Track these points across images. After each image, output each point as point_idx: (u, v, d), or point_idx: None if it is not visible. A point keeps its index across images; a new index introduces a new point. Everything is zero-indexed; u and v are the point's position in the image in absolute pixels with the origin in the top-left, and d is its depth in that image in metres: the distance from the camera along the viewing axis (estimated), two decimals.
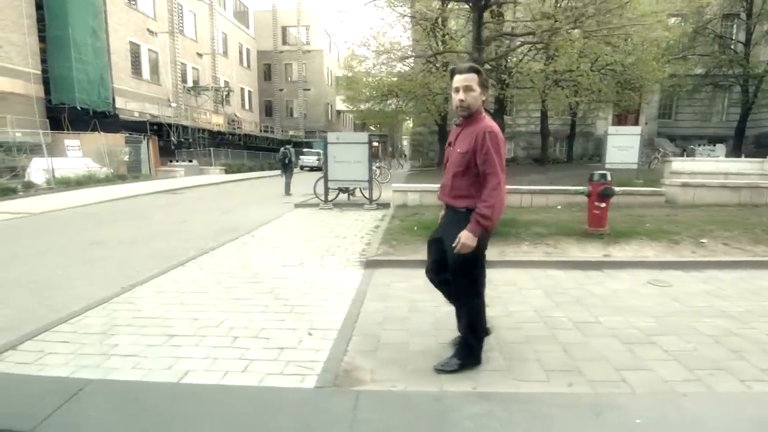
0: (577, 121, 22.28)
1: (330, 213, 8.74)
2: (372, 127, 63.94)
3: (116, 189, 13.40)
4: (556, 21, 4.91)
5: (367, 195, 9.41)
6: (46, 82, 18.63)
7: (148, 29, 23.40)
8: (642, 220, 6.69)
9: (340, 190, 9.67)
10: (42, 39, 18.39)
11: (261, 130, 34.38)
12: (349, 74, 18.79)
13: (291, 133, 39.36)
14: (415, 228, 5.96)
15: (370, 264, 4.60)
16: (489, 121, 2.21)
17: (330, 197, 9.35)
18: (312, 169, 29.36)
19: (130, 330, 3.14)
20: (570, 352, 2.74)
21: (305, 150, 31.18)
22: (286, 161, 12.90)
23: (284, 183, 12.74)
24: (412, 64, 15.95)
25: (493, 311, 3.41)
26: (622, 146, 11.69)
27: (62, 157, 15.47)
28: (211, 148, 23.52)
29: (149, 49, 23.62)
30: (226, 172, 22.20)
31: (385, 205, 9.30)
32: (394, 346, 2.85)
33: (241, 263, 4.96)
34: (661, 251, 4.96)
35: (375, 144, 62.11)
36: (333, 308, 3.53)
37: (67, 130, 17.68)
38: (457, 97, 2.20)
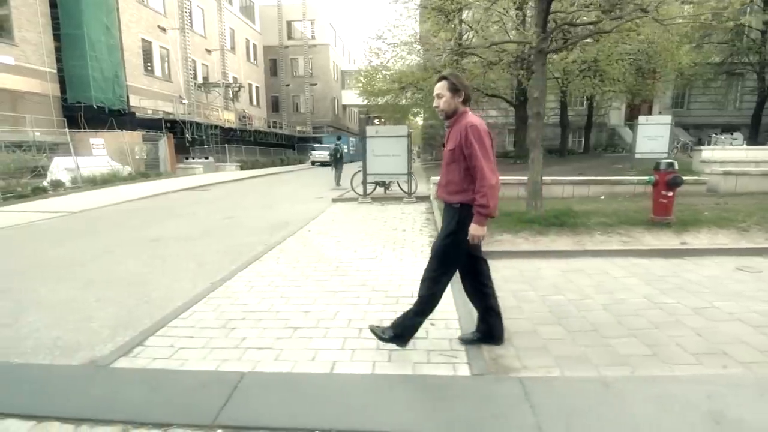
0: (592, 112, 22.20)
1: (372, 207, 8.73)
2: (376, 121, 63.92)
3: (142, 187, 13.38)
4: (619, 9, 4.86)
5: (404, 188, 9.39)
6: (61, 81, 18.56)
7: (158, 26, 23.24)
8: (695, 208, 6.67)
9: (377, 183, 9.65)
10: (56, 37, 18.27)
11: (269, 126, 34.23)
12: (366, 67, 18.61)
13: (298, 128, 39.25)
14: None
15: None
16: (471, 118, 2.39)
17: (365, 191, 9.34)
18: (323, 164, 29.27)
19: (248, 324, 3.14)
20: (704, 336, 2.75)
21: (316, 146, 31.09)
22: (338, 156, 14.26)
23: (334, 175, 14.16)
24: (437, 57, 15.84)
25: (601, 299, 3.44)
26: (652, 136, 11.66)
27: (83, 156, 15.41)
28: (226, 145, 23.45)
29: (160, 46, 23.48)
30: (241, 168, 22.15)
31: (423, 198, 9.29)
32: (525, 334, 2.86)
33: (315, 256, 4.96)
34: (734, 238, 4.96)
35: None
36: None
37: (84, 128, 17.63)
38: (434, 104, 2.50)
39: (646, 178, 5.69)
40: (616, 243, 4.79)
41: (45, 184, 11.89)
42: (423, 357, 2.59)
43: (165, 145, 17.86)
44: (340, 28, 45.20)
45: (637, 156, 11.84)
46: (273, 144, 32.76)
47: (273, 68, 39.87)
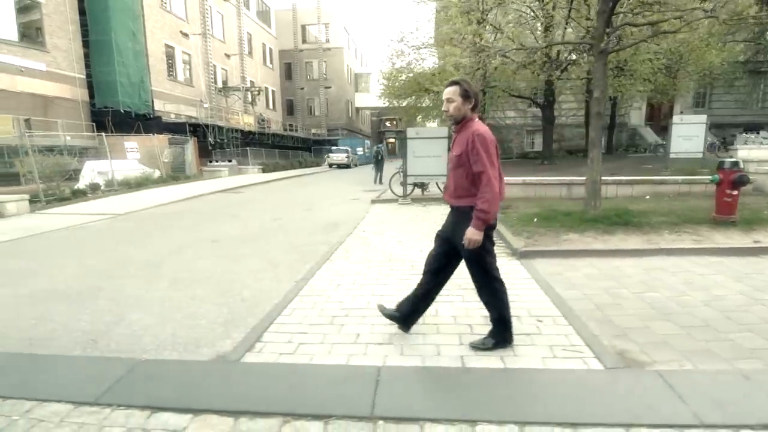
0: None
1: (414, 208, 8.79)
2: (388, 124, 64.09)
3: (176, 189, 13.57)
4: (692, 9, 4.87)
5: (443, 189, 9.42)
6: (89, 87, 18.92)
7: (181, 31, 23.59)
8: (751, 207, 6.62)
9: (415, 184, 9.70)
10: (85, 44, 18.64)
11: (284, 129, 34.51)
12: (389, 70, 18.70)
13: (313, 131, 39.49)
14: (535, 220, 5.98)
15: (525, 255, 4.63)
16: (478, 126, 2.45)
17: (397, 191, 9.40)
18: (339, 166, 29.42)
19: (354, 320, 3.20)
20: None
21: (333, 148, 31.20)
22: (379, 157, 16.49)
23: (374, 174, 16.22)
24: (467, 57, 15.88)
25: (699, 296, 3.44)
26: (688, 135, 11.56)
27: (113, 160, 15.66)
28: (248, 148, 23.69)
29: (183, 51, 23.83)
30: (263, 171, 22.34)
31: None
32: (639, 330, 2.88)
33: (385, 256, 5.02)
34: None
35: (392, 140, 62.29)
36: (531, 296, 3.57)
37: (111, 132, 17.94)
38: (443, 108, 2.55)
39: (712, 177, 5.66)
40: (688, 242, 4.78)
41: (83, 186, 12.10)
42: (547, 352, 2.63)
43: (191, 148, 18.08)
44: (353, 31, 45.46)
45: (672, 156, 11.75)
46: (289, 147, 32.99)
47: (288, 72, 40.21)
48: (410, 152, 9.07)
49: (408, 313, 2.86)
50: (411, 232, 6.37)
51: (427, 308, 2.91)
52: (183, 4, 23.87)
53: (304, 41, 40.46)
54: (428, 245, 5.52)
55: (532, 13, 13.66)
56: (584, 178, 8.97)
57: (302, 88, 40.37)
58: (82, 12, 18.44)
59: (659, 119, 26.60)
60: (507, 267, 4.42)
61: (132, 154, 14.86)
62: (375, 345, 2.79)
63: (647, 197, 8.33)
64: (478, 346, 2.67)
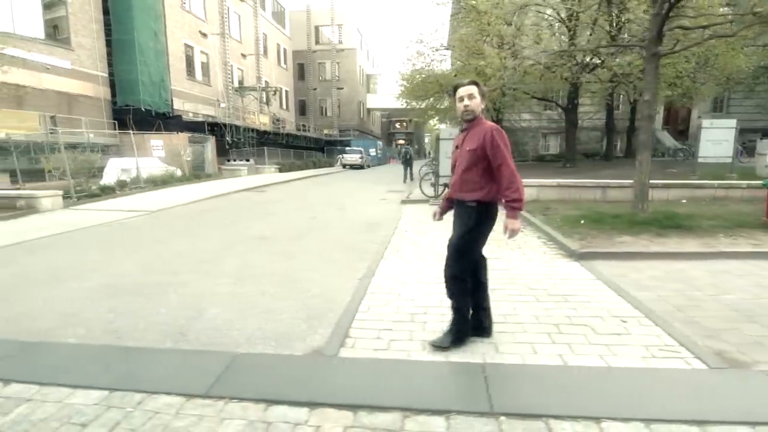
0: (619, 115, 21.88)
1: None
2: (397, 125, 64.12)
3: (200, 187, 13.67)
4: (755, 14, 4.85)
5: None
6: (111, 85, 19.12)
7: (200, 31, 23.78)
8: None
9: (446, 185, 9.69)
10: (107, 43, 18.84)
11: (297, 129, 34.64)
12: (410, 71, 18.75)
13: (325, 131, 39.60)
14: (582, 221, 5.97)
15: (583, 256, 4.63)
16: (491, 123, 2.59)
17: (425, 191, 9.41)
18: (353, 167, 29.44)
19: (434, 318, 3.22)
20: None
21: (347, 149, 31.26)
22: (407, 157, 17.66)
23: (404, 173, 17.38)
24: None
25: None
26: (717, 140, 11.49)
27: (134, 157, 15.77)
28: (265, 148, 23.81)
29: (201, 51, 24.02)
30: (280, 170, 22.44)
31: None
32: (728, 331, 2.87)
33: (437, 255, 5.02)
34: None
35: (401, 141, 62.18)
36: (604, 297, 3.57)
37: (132, 130, 18.12)
38: (462, 105, 2.60)
39: (762, 181, 5.62)
40: (746, 246, 4.75)
41: (110, 183, 12.22)
42: (644, 352, 2.63)
43: (211, 147, 18.21)
44: (365, 32, 45.59)
45: (700, 160, 11.68)
46: (302, 147, 33.09)
47: (300, 72, 40.36)
48: (443, 152, 9.08)
49: (478, 326, 2.83)
50: (444, 231, 6.36)
51: (485, 306, 2.86)
52: (202, 4, 24.07)
53: (317, 42, 40.61)
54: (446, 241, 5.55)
55: (557, 16, 13.65)
56: (619, 181, 8.97)
57: (315, 89, 40.51)
58: (105, 11, 18.65)
59: (676, 123, 26.43)
60: (566, 268, 4.42)
61: (158, 152, 14.99)
62: (468, 343, 2.80)
63: (683, 201, 8.28)
64: (438, 344, 2.70)
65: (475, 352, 2.66)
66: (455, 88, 2.69)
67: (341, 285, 4.05)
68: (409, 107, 22.40)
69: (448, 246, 2.74)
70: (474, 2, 16.16)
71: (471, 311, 2.79)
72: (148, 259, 5.13)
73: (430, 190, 9.69)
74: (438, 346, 2.69)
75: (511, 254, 5.05)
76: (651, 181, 8.95)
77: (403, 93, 20.64)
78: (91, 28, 17.94)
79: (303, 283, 4.15)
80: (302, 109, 40.87)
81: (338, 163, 33.40)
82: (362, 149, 30.91)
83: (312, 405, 2.19)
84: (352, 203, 10.40)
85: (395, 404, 2.17)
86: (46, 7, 16.41)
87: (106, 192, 11.52)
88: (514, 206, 2.45)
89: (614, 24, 10.55)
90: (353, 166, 29.50)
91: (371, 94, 47.13)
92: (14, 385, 2.40)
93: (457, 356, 2.63)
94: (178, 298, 3.75)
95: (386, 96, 49.75)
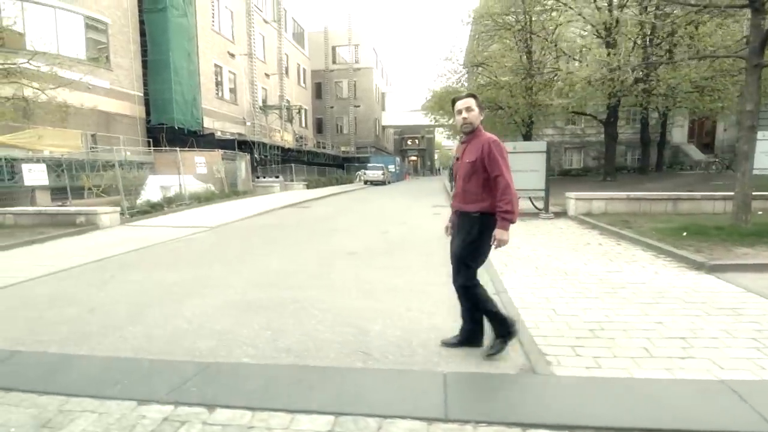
0: (650, 129, 21.84)
1: (518, 222, 8.60)
2: (409, 142, 64.59)
3: (244, 204, 13.65)
4: None
5: (536, 204, 9.31)
6: (145, 104, 19.40)
7: (228, 52, 24.24)
8: None
9: None
10: (142, 63, 19.20)
11: (317, 147, 34.92)
12: (440, 88, 18.94)
13: (342, 148, 39.88)
14: (684, 234, 5.80)
15: (714, 268, 4.46)
16: (490, 135, 2.63)
17: None
18: (374, 183, 29.40)
19: (618, 333, 3.04)
20: None
21: (369, 165, 31.28)
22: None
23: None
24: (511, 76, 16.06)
25: None
26: None
27: (168, 175, 15.80)
28: (292, 165, 23.95)
29: (229, 71, 24.43)
30: (308, 187, 22.47)
31: (559, 214, 9.17)
32: None
33: (553, 269, 4.87)
34: None
35: (413, 158, 62.47)
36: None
37: (165, 148, 18.28)
38: (460, 117, 2.65)
39: None
40: None
41: (158, 200, 12.22)
42: None
43: (245, 164, 18.30)
44: (380, 51, 46.36)
45: (755, 172, 11.49)
46: (322, 163, 33.27)
47: (317, 91, 40.93)
48: None
49: (468, 336, 2.86)
50: (547, 247, 6.21)
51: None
52: (230, 26, 24.61)
53: (334, 62, 41.33)
54: (582, 257, 5.41)
55: (598, 33, 13.76)
56: (690, 193, 8.82)
57: (332, 107, 41.01)
58: (142, 33, 19.08)
59: (701, 137, 26.35)
60: (705, 281, 4.24)
61: (200, 169, 15.04)
62: (680, 359, 2.63)
63: (759, 213, 8.09)
64: (491, 352, 2.70)
65: (695, 369, 2.48)
66: (453, 102, 2.75)
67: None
68: (436, 123, 22.53)
69: (452, 257, 2.78)
70: (510, 19, 16.42)
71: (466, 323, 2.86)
72: (254, 275, 5.00)
73: None
74: (493, 354, 2.69)
75: (630, 267, 4.88)
76: (726, 193, 8.82)
77: (432, 108, 20.78)
78: (129, 48, 18.31)
79: (439, 296, 3.98)
80: (319, 126, 41.30)
81: (357, 180, 33.48)
82: (383, 165, 30.96)
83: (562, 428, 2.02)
84: (409, 218, 10.27)
85: (640, 425, 1.99)
86: (89, 28, 16.78)
87: (156, 209, 11.49)
88: (505, 217, 2.47)
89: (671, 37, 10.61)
90: (375, 183, 29.45)
91: (385, 112, 47.64)
92: (222, 411, 2.23)
93: (684, 373, 2.45)
94: (323, 314, 3.59)
95: (400, 112, 50.33)
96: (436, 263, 5.33)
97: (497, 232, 2.51)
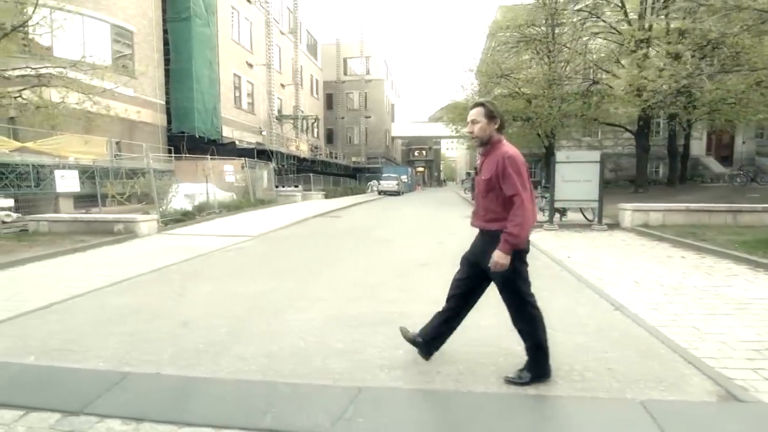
0: (662, 143, 21.69)
1: (571, 234, 8.37)
2: (416, 153, 64.72)
3: (274, 212, 13.41)
4: None
5: (587, 216, 9.06)
6: (167, 112, 19.30)
7: (246, 62, 24.27)
8: None
9: (557, 210, 9.33)
10: (165, 71, 19.16)
11: (329, 157, 34.84)
12: (464, 99, 18.88)
13: (353, 159, 39.83)
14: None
15: None
16: (507, 148, 2.39)
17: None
18: (389, 194, 29.20)
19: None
20: None
21: (384, 175, 31.10)
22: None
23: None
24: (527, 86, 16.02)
25: None
26: None
27: (189, 183, 15.54)
28: (311, 174, 23.81)
29: (247, 81, 24.43)
30: (326, 197, 22.26)
31: (612, 226, 8.92)
32: None
33: (651, 282, 4.59)
34: None
35: (420, 169, 62.55)
36: None
37: (185, 156, 18.12)
38: (467, 129, 2.49)
39: None
40: None
41: (189, 209, 11.97)
42: None
43: (269, 173, 18.13)
44: (390, 63, 46.67)
45: None
46: (334, 173, 33.15)
47: (329, 102, 41.06)
48: (559, 176, 8.75)
49: (430, 339, 2.68)
50: (631, 259, 5.96)
51: (451, 333, 2.71)
52: (249, 36, 24.69)
53: (345, 73, 41.51)
54: (680, 270, 5.14)
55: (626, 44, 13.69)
56: (751, 205, 8.57)
57: (342, 118, 41.09)
58: (164, 42, 19.07)
59: (719, 149, 26.23)
60: None
61: (229, 177, 14.84)
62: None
63: None
64: (514, 381, 2.46)
65: None
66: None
67: (604, 316, 3.61)
68: (457, 134, 22.45)
69: (495, 281, 2.48)
70: (534, 31, 16.42)
71: (432, 328, 2.68)
72: (337, 287, 4.71)
73: (539, 216, 9.30)
74: (512, 382, 2.45)
75: (736, 281, 4.61)
76: None
77: (453, 119, 20.71)
78: (153, 57, 18.27)
79: (556, 314, 3.69)
80: (329, 137, 41.32)
81: (369, 190, 33.29)
82: (396, 175, 30.79)
83: None
84: (449, 228, 10.03)
85: None
86: (115, 36, 16.75)
87: (188, 217, 11.23)
88: (508, 240, 2.25)
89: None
90: (389, 193, 29.24)
91: (395, 123, 47.77)
92: None
93: None
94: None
95: (408, 123, 50.48)
96: (540, 278, 5.05)
97: (495, 254, 2.27)
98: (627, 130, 16.84)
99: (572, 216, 9.62)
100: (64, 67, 10.58)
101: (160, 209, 11.77)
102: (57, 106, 10.78)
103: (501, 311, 2.69)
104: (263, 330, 3.41)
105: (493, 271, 2.33)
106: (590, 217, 9.12)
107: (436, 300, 4.07)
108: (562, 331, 3.28)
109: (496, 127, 2.41)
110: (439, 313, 2.71)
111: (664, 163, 24.25)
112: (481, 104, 2.47)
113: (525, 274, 2.44)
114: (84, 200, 14.55)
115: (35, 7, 7.14)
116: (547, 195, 9.21)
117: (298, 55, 30.61)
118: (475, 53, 55.08)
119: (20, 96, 7.33)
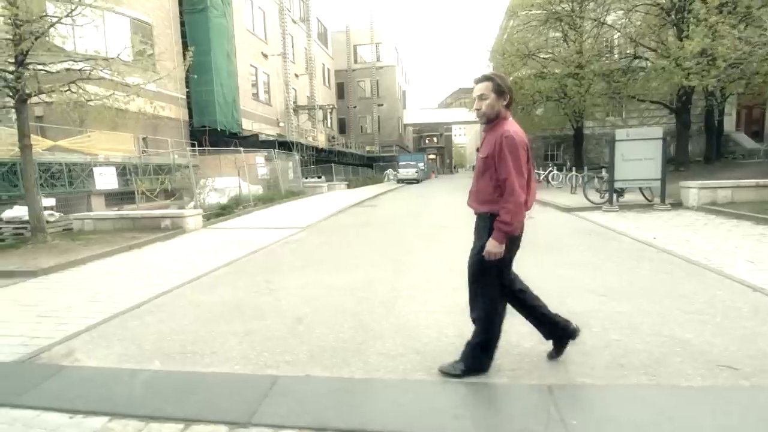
0: (693, 119, 20.97)
1: (637, 215, 8.01)
2: (427, 140, 64.08)
3: (308, 203, 13.22)
4: None
5: (647, 195, 8.69)
6: (188, 106, 19.06)
7: (262, 52, 23.87)
8: None
9: (616, 191, 8.97)
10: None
11: (343, 147, 34.48)
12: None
13: (367, 148, 39.42)
14: None
15: None
16: (509, 126, 2.19)
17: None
18: (410, 182, 28.76)
19: None
20: None
21: (402, 163, 30.64)
22: None
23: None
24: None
25: None
26: None
27: (220, 177, 15.37)
28: (332, 165, 23.54)
29: (263, 72, 24.05)
30: (348, 187, 22.01)
31: (674, 205, 8.55)
32: None
33: (751, 257, 4.29)
34: None
35: (432, 156, 62.04)
36: None
37: (207, 150, 17.93)
38: (474, 106, 2.28)
39: None
40: None
41: (221, 202, 11.79)
42: None
43: (296, 164, 17.89)
44: (401, 49, 45.88)
45: None
46: (350, 163, 32.83)
47: (340, 91, 40.50)
48: (618, 155, 8.38)
49: (552, 332, 2.44)
50: (712, 238, 5.63)
51: (542, 306, 2.43)
52: (263, 26, 24.23)
53: (355, 61, 40.87)
54: (762, 250, 4.82)
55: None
56: None
57: (354, 107, 40.58)
58: (183, 35, 18.75)
59: (749, 125, 25.44)
60: None
61: (261, 169, 14.61)
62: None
63: None
64: (448, 371, 2.35)
65: None
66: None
67: (748, 299, 3.32)
68: (475, 120, 21.96)
69: (468, 265, 2.38)
70: (561, 8, 15.86)
71: (539, 325, 2.44)
72: (428, 275, 4.47)
73: (595, 197, 8.97)
74: (445, 373, 2.36)
75: None
76: None
77: (469, 103, 20.23)
78: (172, 50, 17.95)
79: (698, 300, 3.40)
80: (342, 127, 40.85)
81: (386, 179, 32.92)
82: (415, 162, 30.34)
83: None
84: None
85: None
86: (135, 30, 16.46)
87: (228, 211, 11.04)
88: (500, 227, 2.12)
89: None
90: (408, 181, 28.83)
91: (406, 110, 47.15)
92: None
93: None
94: (603, 322, 3.03)
95: (420, 110, 49.79)
96: (625, 258, 4.78)
97: (489, 243, 2.16)
98: (667, 106, 16.26)
99: (629, 197, 9.24)
100: (102, 60, 10.36)
101: (195, 204, 11.66)
102: (100, 100, 10.56)
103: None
104: (392, 324, 3.18)
105: (486, 260, 2.19)
106: (649, 197, 8.75)
107: (561, 275, 3.85)
108: (723, 316, 3.00)
109: (506, 103, 2.22)
110: (523, 313, 2.48)
111: (691, 140, 23.56)
112: (489, 78, 2.23)
113: (509, 262, 2.31)
114: (113, 198, 14.48)
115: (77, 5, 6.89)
116: (603, 176, 8.84)
117: (311, 44, 30.09)
118: (491, 34, 53.87)
119: (69, 89, 7.07)
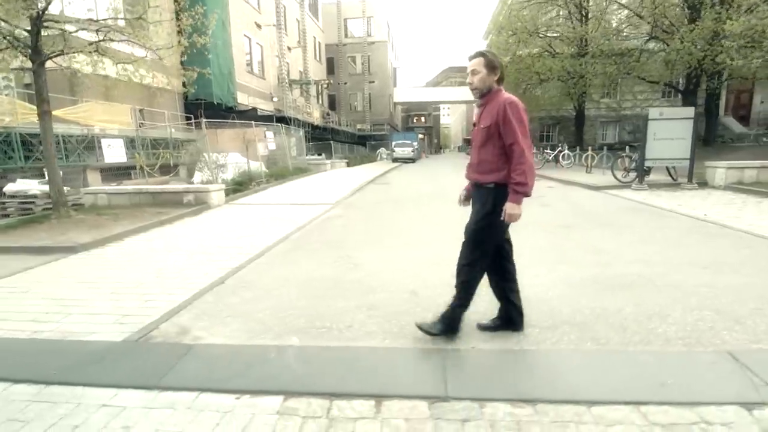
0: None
1: (671, 193, 8.12)
2: (415, 119, 63.54)
3: (319, 180, 12.93)
4: None
5: (673, 174, 8.85)
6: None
7: (255, 22, 22.78)
8: None
9: (648, 169, 9.06)
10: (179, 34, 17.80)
11: (336, 124, 33.78)
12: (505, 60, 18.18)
13: (358, 126, 38.78)
14: None
15: None
16: (507, 95, 2.31)
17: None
18: (406, 161, 28.46)
19: None
20: None
21: (397, 142, 30.20)
22: None
23: None
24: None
25: None
26: None
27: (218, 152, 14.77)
28: (331, 142, 23.02)
29: (257, 43, 23.03)
30: (348, 165, 21.66)
31: (701, 184, 8.74)
32: None
33: None
34: None
35: (421, 136, 61.72)
36: None
37: (205, 124, 17.18)
38: (467, 80, 2.39)
39: None
40: None
41: (231, 177, 11.36)
42: None
43: (300, 140, 17.38)
44: (392, 25, 44.78)
45: None
46: (342, 141, 32.27)
47: (330, 66, 39.37)
48: (650, 134, 8.44)
49: (508, 320, 2.58)
50: (760, 214, 5.77)
51: (517, 300, 2.58)
52: None
53: (346, 35, 39.65)
54: None
55: None
56: None
57: (345, 83, 39.61)
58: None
59: (737, 109, 26.23)
60: None
61: (271, 144, 14.10)
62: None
63: None
64: (429, 330, 2.48)
65: None
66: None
67: None
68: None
69: (465, 232, 2.48)
70: None
71: (502, 303, 2.57)
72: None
73: (621, 175, 9.06)
74: (422, 328, 2.49)
75: None
76: None
77: (462, 83, 20.06)
78: (166, 17, 16.85)
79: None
80: (331, 103, 39.90)
81: (379, 158, 32.53)
82: (412, 142, 29.99)
83: None
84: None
85: None
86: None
87: (244, 187, 10.65)
88: (517, 189, 2.21)
89: None
90: (403, 160, 28.50)
91: (396, 88, 46.42)
92: None
93: None
94: (698, 290, 3.03)
95: (409, 89, 49.10)
96: (684, 234, 4.82)
97: (508, 206, 2.24)
98: (674, 87, 16.50)
99: (653, 177, 9.38)
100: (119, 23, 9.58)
101: (202, 179, 11.19)
102: (122, 63, 9.78)
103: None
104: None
105: (507, 223, 2.28)
106: (674, 176, 8.90)
107: (652, 252, 3.85)
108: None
109: (497, 78, 2.31)
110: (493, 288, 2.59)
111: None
112: (482, 54, 2.34)
113: (499, 229, 2.37)
114: (109, 173, 13.79)
115: None
116: (633, 154, 8.92)
117: (304, 16, 28.93)
118: (486, 12, 52.99)
119: (97, 50, 6.52)
